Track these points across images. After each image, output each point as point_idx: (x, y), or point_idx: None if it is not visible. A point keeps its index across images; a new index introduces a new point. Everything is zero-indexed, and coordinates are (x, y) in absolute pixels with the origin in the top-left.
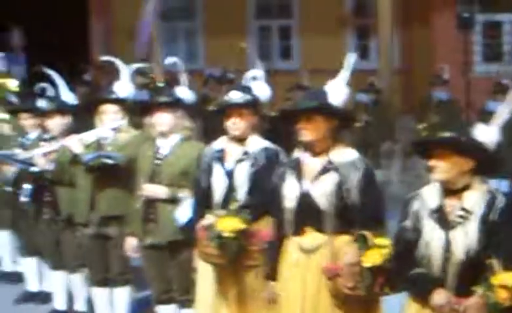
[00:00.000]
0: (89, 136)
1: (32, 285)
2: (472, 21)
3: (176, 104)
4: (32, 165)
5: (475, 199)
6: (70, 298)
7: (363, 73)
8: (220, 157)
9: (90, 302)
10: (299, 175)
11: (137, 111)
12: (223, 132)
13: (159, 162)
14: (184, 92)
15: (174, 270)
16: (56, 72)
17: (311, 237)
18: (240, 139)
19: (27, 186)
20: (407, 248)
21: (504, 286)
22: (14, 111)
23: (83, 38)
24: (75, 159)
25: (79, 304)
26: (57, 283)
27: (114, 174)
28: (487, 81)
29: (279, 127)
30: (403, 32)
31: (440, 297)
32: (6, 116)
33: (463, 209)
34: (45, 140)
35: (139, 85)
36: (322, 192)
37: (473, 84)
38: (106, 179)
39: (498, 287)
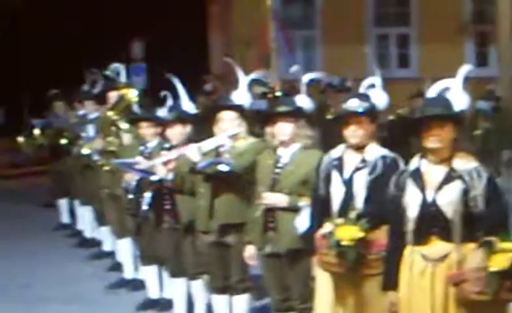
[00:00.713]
0: (207, 144)
1: (153, 292)
2: None
3: (297, 113)
4: (153, 174)
5: None
6: (190, 306)
7: (482, 80)
8: (338, 165)
9: (210, 310)
10: (421, 184)
11: (256, 120)
12: (341, 140)
13: (279, 170)
14: (304, 101)
15: (293, 278)
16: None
17: (437, 246)
18: (358, 147)
19: (147, 195)
20: None
21: None
22: (134, 121)
23: (202, 50)
24: (194, 167)
25: (199, 311)
26: (177, 290)
27: (232, 182)
28: None
29: (397, 135)
30: None
31: None
32: (127, 126)
33: None
34: (165, 149)
35: (257, 94)
36: (448, 200)
37: None
38: (224, 187)
39: None
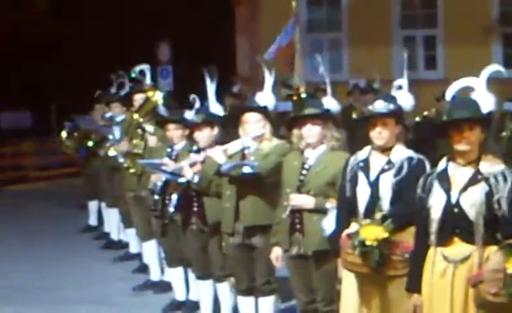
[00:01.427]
0: (233, 147)
1: (179, 294)
2: None
3: (325, 115)
4: (180, 176)
5: None
6: (217, 308)
7: (510, 82)
8: (364, 167)
9: (236, 312)
10: (446, 185)
11: (283, 122)
12: (367, 141)
13: (306, 172)
14: (331, 103)
15: (319, 280)
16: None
17: (459, 248)
18: (384, 149)
19: (174, 197)
20: None
21: None
22: (162, 123)
23: (229, 52)
24: (219, 169)
25: None
26: (204, 292)
27: (257, 184)
28: None
29: (423, 136)
30: None
31: None
32: (152, 129)
33: None
34: (192, 151)
35: (282, 96)
36: (472, 202)
37: None
38: (249, 189)
39: None
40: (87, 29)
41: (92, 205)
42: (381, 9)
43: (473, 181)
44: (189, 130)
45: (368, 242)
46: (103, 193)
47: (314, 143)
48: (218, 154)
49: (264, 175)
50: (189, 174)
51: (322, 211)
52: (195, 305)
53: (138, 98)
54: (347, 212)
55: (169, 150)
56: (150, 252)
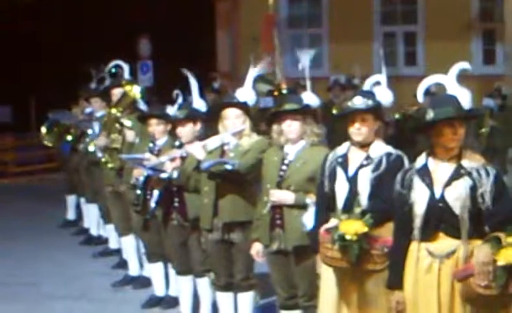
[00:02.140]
0: (212, 142)
1: (158, 289)
2: None
3: (304, 111)
4: (162, 171)
5: None
6: (196, 303)
7: (489, 78)
8: (343, 162)
9: (215, 307)
10: (428, 181)
11: (263, 117)
12: (347, 137)
13: (286, 167)
14: (311, 98)
15: (300, 276)
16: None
17: (444, 243)
18: (363, 145)
19: (155, 192)
20: None
21: None
22: (144, 118)
23: (209, 48)
24: (198, 166)
25: (205, 309)
26: (183, 287)
27: (237, 180)
28: None
29: (404, 133)
30: None
31: None
32: (130, 123)
33: None
34: (175, 147)
35: (262, 92)
36: (457, 196)
37: None
38: (229, 185)
39: None
40: (67, 23)
41: (70, 199)
42: (361, 5)
43: (456, 176)
44: (171, 125)
45: (348, 237)
46: (83, 188)
47: (294, 139)
48: (197, 150)
49: (243, 172)
50: (169, 169)
51: (302, 207)
52: (174, 301)
53: (116, 93)
54: (326, 207)
55: (151, 145)
56: (129, 246)
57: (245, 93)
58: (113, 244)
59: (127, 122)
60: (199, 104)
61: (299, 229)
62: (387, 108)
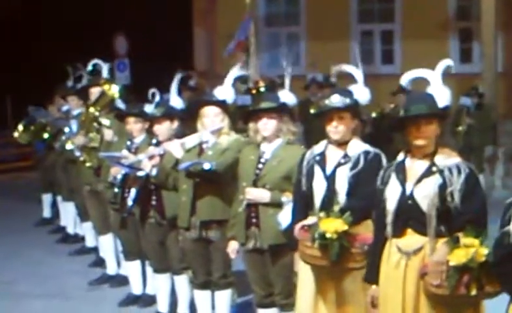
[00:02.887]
0: (190, 140)
1: (136, 288)
2: None
3: (281, 109)
4: (139, 169)
5: None
6: (173, 301)
7: (466, 77)
8: (321, 161)
9: (193, 305)
10: (402, 177)
11: (240, 116)
12: (324, 135)
13: (262, 166)
14: (287, 97)
15: (276, 274)
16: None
17: (412, 239)
18: (341, 143)
19: (133, 190)
20: (509, 252)
21: None
22: (122, 117)
23: (186, 46)
24: (177, 163)
25: (183, 307)
26: (161, 285)
27: (214, 179)
28: None
29: (381, 131)
30: (507, 35)
31: None
32: (108, 122)
33: None
34: (152, 145)
35: (240, 90)
36: (425, 193)
37: None
38: (206, 184)
39: None
40: (44, 21)
41: (46, 198)
42: (339, 3)
43: (427, 173)
44: (148, 124)
45: (328, 235)
46: (59, 186)
47: (270, 137)
48: (175, 148)
49: (221, 171)
50: (147, 167)
51: (277, 205)
52: (152, 299)
53: (94, 92)
54: (303, 206)
55: (128, 143)
56: (107, 245)
57: (224, 91)
58: (89, 243)
59: (105, 121)
60: (176, 101)
61: (275, 228)
62: (364, 106)
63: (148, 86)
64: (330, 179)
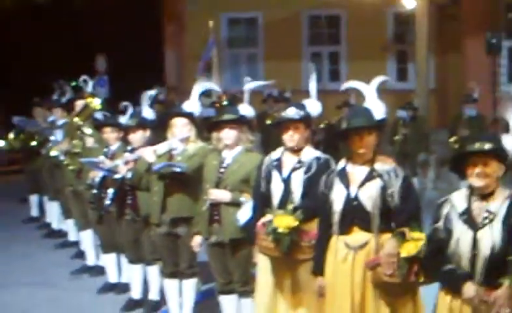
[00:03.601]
0: (162, 147)
1: (112, 277)
2: (499, 46)
3: (240, 120)
4: (116, 173)
5: (499, 202)
6: (145, 289)
7: (402, 93)
8: (278, 166)
9: (162, 292)
10: (346, 182)
11: (205, 126)
12: (280, 143)
13: (223, 170)
14: (246, 110)
15: (235, 264)
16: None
17: (358, 236)
18: (295, 150)
19: (110, 191)
20: (439, 246)
21: None
22: (100, 126)
23: (158, 64)
24: (149, 167)
25: (154, 294)
26: (135, 275)
27: (183, 181)
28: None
29: (329, 140)
30: (438, 56)
31: (469, 290)
32: (90, 131)
33: (488, 211)
34: (127, 151)
35: (205, 104)
36: (369, 195)
37: (500, 102)
38: (175, 185)
39: None
40: (31, 40)
41: (33, 199)
42: (292, 28)
43: (369, 178)
44: (124, 133)
45: (280, 230)
46: (45, 187)
47: (231, 145)
48: (148, 154)
49: (189, 174)
50: (123, 171)
51: (237, 204)
52: (126, 287)
53: (78, 104)
54: (262, 205)
55: (105, 150)
56: (87, 240)
57: (191, 105)
58: (72, 237)
59: (87, 130)
60: (148, 113)
61: (235, 224)
62: (315, 118)
63: (125, 100)
64: (286, 182)
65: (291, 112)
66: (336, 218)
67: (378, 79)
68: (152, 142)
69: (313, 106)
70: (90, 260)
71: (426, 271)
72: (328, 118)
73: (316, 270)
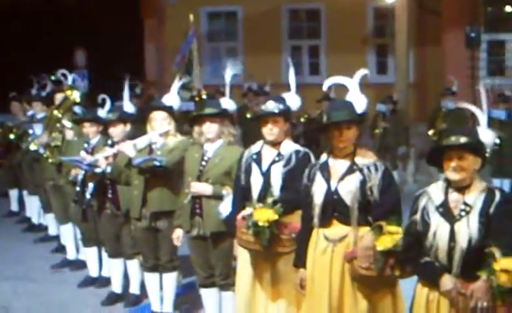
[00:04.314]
0: (141, 141)
1: (93, 271)
2: (478, 40)
3: (222, 114)
4: (97, 167)
5: (475, 195)
6: (126, 282)
7: (382, 87)
8: (257, 159)
9: (143, 286)
10: (327, 175)
11: (186, 120)
12: (260, 137)
13: (205, 163)
14: (228, 103)
15: (217, 258)
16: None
17: (337, 229)
18: (275, 143)
19: (90, 185)
20: (416, 239)
21: (505, 271)
22: (79, 121)
23: (139, 58)
24: (130, 162)
25: (134, 287)
26: (115, 269)
27: (163, 174)
28: (491, 93)
29: (308, 133)
30: (417, 50)
31: (447, 282)
32: (70, 124)
33: (465, 204)
34: (108, 145)
35: (185, 97)
36: (348, 189)
37: (479, 95)
38: (156, 179)
39: (500, 272)
40: (13, 35)
41: (13, 193)
42: (272, 22)
43: (349, 171)
44: (104, 126)
45: (260, 223)
46: (25, 182)
47: (213, 138)
48: (128, 148)
49: (169, 167)
50: (103, 165)
51: (218, 197)
52: (107, 281)
53: (58, 97)
54: (242, 197)
55: (85, 145)
56: (67, 234)
57: (171, 99)
58: (52, 231)
59: (67, 123)
60: (129, 107)
61: (216, 217)
62: (295, 111)
63: (105, 94)
64: (266, 175)
65: (270, 106)
66: (316, 211)
67: (360, 73)
68: (132, 136)
69: (293, 100)
70: (71, 254)
71: (403, 264)
72: (308, 111)
73: (298, 263)
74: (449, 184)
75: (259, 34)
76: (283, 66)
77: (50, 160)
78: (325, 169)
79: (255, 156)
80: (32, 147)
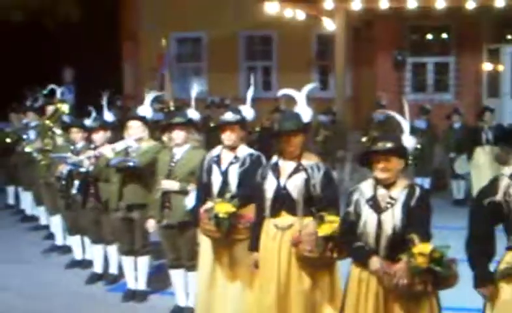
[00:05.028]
0: (119, 146)
1: (77, 255)
2: (404, 62)
3: (188, 123)
4: (81, 166)
5: (399, 190)
6: (106, 264)
7: (323, 100)
8: (217, 161)
9: (120, 268)
10: (277, 174)
11: (157, 128)
12: (220, 142)
13: (174, 164)
14: (194, 114)
15: (183, 243)
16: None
17: (285, 219)
18: (232, 148)
19: (76, 182)
20: (350, 227)
21: (421, 254)
22: (67, 127)
23: (117, 75)
24: (108, 163)
25: (113, 269)
26: (96, 253)
27: (137, 173)
28: (415, 107)
29: (263, 139)
30: (354, 70)
31: (375, 263)
32: (59, 131)
33: (390, 198)
34: (90, 149)
35: (156, 109)
36: (295, 185)
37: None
38: (131, 177)
39: (417, 255)
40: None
41: (10, 189)
42: (231, 46)
43: (296, 171)
44: (88, 133)
45: (220, 215)
46: (20, 179)
47: (180, 143)
48: (108, 151)
49: (142, 167)
50: (87, 165)
51: (185, 192)
52: (90, 263)
53: (49, 109)
54: (204, 193)
55: (72, 148)
56: (56, 223)
57: (145, 110)
58: (43, 221)
59: (57, 131)
60: (109, 116)
61: (183, 209)
62: (250, 121)
63: (88, 105)
64: (224, 174)
65: (229, 116)
66: (268, 203)
67: (308, 87)
68: (111, 141)
69: (248, 111)
70: (59, 240)
71: (339, 248)
72: (262, 121)
73: (252, 247)
74: (377, 181)
75: (220, 56)
76: (241, 83)
77: (42, 162)
78: (275, 169)
79: (215, 159)
80: (27, 149)
